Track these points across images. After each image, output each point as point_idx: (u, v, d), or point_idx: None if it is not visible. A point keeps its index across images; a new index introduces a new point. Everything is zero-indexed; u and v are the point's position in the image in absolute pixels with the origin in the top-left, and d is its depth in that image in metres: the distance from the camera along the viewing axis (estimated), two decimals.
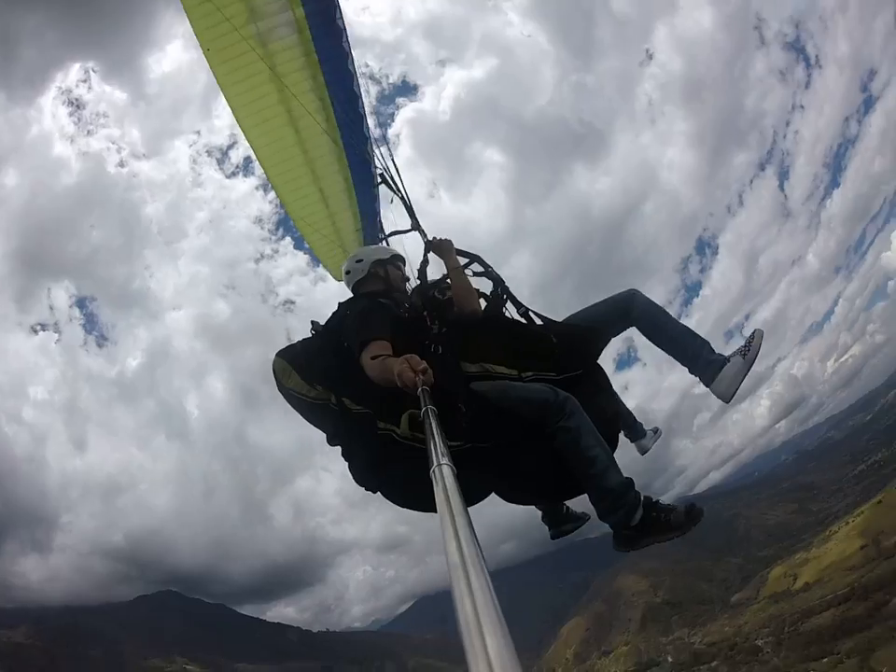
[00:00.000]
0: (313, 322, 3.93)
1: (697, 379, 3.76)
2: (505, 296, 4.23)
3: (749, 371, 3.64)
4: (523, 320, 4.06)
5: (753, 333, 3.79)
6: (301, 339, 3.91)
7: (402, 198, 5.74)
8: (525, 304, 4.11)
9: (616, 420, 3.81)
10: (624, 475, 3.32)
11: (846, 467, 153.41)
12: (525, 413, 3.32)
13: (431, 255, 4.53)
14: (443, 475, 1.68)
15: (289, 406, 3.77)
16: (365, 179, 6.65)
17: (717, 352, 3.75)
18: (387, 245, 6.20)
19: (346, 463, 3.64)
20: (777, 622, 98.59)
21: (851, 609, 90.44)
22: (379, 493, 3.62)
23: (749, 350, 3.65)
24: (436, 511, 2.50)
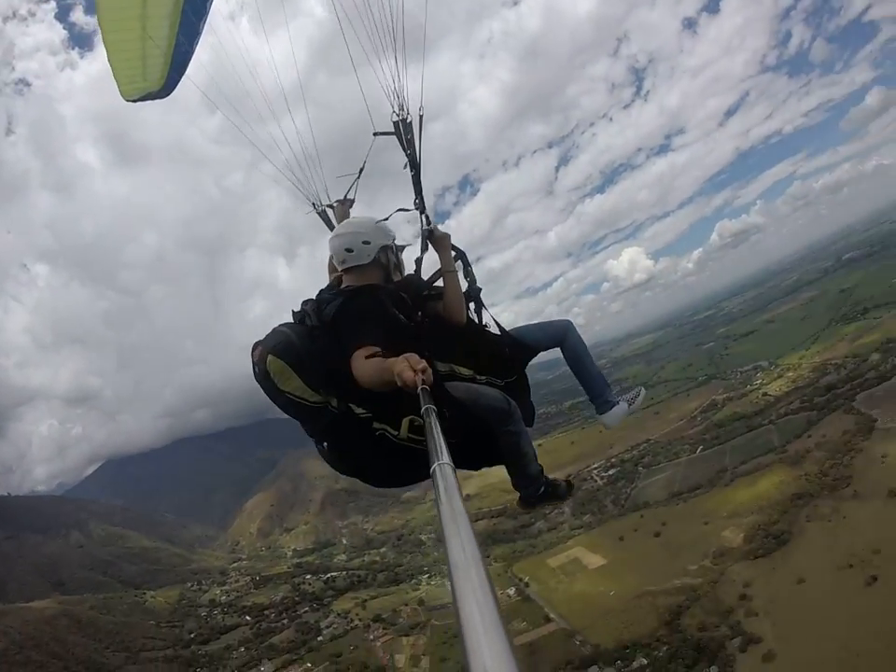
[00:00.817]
0: (303, 310, 3.71)
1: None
2: (475, 300, 4.61)
3: (629, 414, 4.90)
4: (486, 326, 4.60)
5: (640, 391, 5.01)
6: (288, 328, 3.59)
7: (412, 159, 4.70)
8: (490, 312, 4.62)
9: (532, 415, 4.58)
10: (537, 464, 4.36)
11: None
12: (484, 416, 3.81)
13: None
14: (444, 474, 1.74)
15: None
16: None
17: (612, 394, 4.85)
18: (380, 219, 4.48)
19: (327, 451, 3.79)
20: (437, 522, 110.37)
21: (502, 524, 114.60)
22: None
23: (634, 402, 4.89)
24: (406, 486, 4.00)
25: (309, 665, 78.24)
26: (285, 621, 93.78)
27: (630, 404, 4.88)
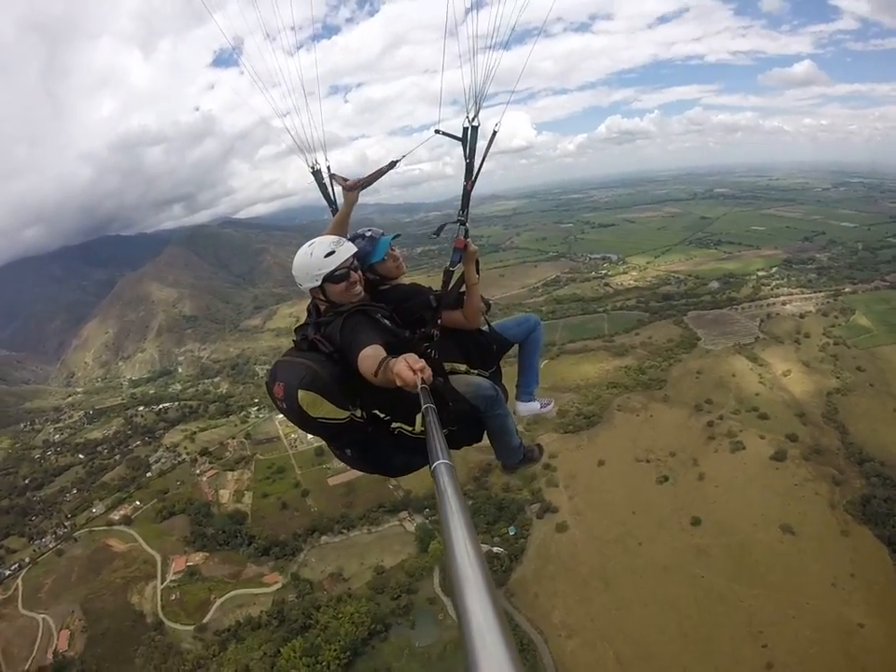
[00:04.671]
0: (312, 338, 3.83)
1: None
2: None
3: (535, 415, 5.48)
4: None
5: (552, 403, 5.56)
6: (307, 359, 3.70)
7: (469, 168, 4.53)
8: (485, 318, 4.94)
9: (506, 395, 4.82)
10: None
11: None
12: (479, 404, 4.39)
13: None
14: (444, 472, 1.79)
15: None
16: None
17: (535, 391, 5.42)
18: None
19: (350, 456, 4.16)
20: (275, 353, 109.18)
21: None
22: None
23: (544, 408, 5.47)
24: (410, 472, 4.29)
25: (138, 503, 76.56)
26: (117, 457, 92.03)
27: (542, 407, 5.46)
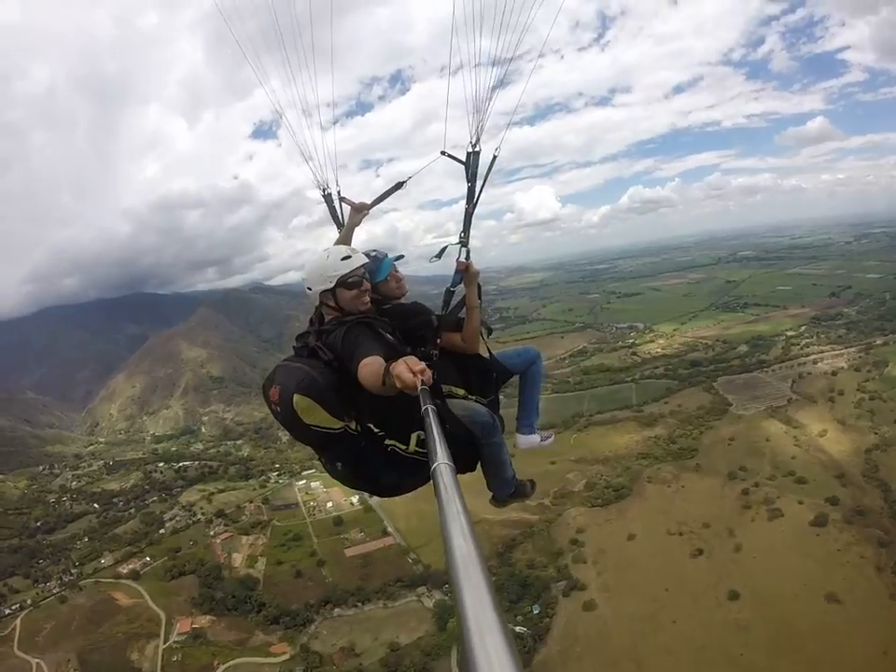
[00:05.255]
0: (312, 345, 3.87)
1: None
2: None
3: (536, 449, 5.41)
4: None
5: (552, 435, 5.52)
6: (305, 365, 3.75)
7: (471, 192, 4.86)
8: (486, 342, 4.90)
9: (503, 425, 4.69)
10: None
11: None
12: (474, 430, 4.27)
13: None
14: (443, 473, 1.77)
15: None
16: None
17: (536, 423, 5.40)
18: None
19: (341, 470, 4.09)
20: None
21: None
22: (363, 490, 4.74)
23: (545, 441, 5.43)
24: (411, 492, 4.28)
25: (148, 558, 76.44)
26: (132, 510, 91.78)
27: (542, 440, 5.43)
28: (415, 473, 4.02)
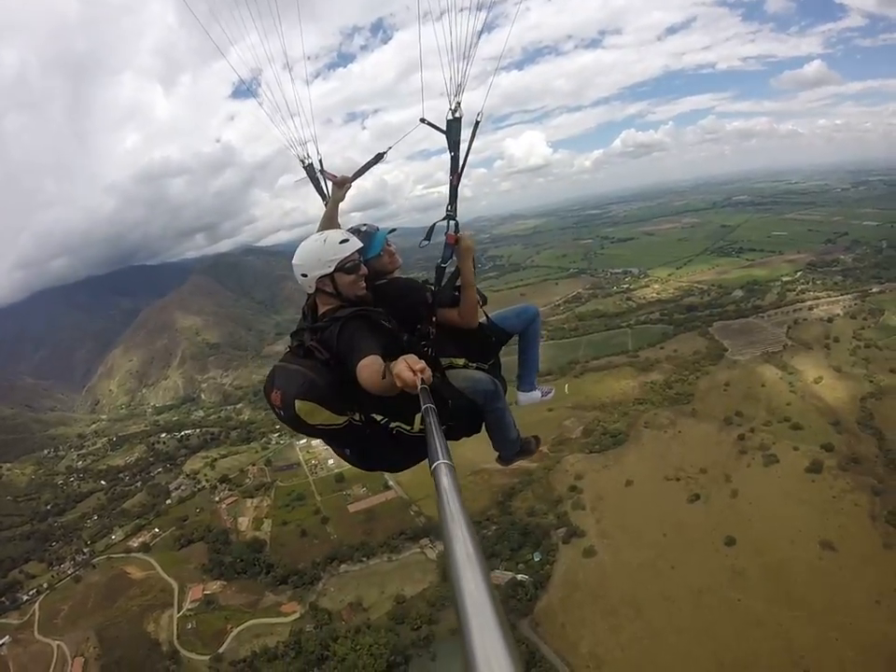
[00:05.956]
0: (307, 344, 3.77)
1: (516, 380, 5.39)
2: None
3: (537, 404, 5.47)
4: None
5: (552, 390, 5.58)
6: (303, 367, 3.68)
7: (454, 162, 4.36)
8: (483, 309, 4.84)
9: (505, 387, 4.79)
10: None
11: None
12: (477, 398, 4.34)
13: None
14: (444, 473, 1.79)
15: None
16: None
17: (535, 380, 5.43)
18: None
19: (349, 455, 4.19)
20: None
21: None
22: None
23: (546, 396, 5.48)
24: (409, 467, 4.18)
25: (157, 529, 77.73)
26: (138, 483, 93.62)
27: (543, 395, 5.49)
28: (424, 448, 3.32)
